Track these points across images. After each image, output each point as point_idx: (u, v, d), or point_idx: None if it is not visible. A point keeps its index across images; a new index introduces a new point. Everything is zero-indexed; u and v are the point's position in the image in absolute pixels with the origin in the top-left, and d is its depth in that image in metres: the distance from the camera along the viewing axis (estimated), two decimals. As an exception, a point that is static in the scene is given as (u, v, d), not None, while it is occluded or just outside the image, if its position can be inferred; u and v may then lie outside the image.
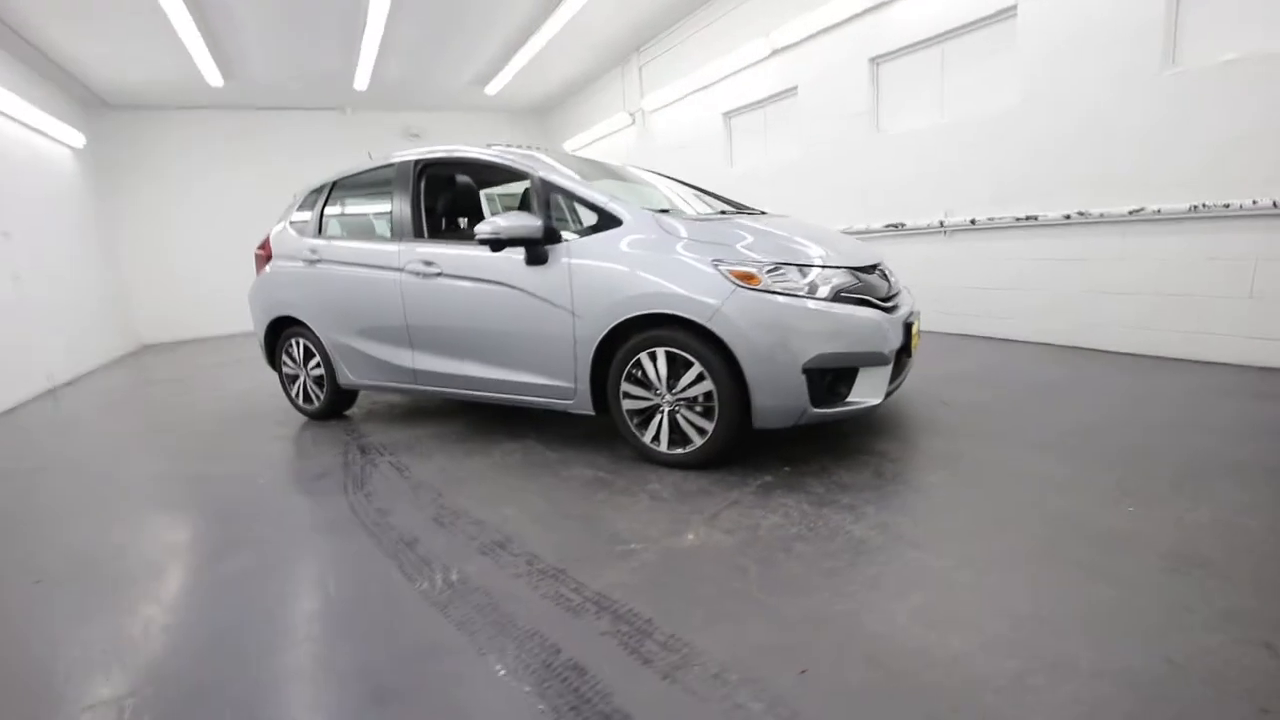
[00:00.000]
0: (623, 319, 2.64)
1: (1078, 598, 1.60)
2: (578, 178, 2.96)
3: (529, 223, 2.79)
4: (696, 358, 2.52)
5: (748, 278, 2.44)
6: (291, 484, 2.94)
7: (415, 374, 3.44)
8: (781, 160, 6.55)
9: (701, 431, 2.60)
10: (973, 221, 4.73)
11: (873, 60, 5.36)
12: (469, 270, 3.10)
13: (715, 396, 2.51)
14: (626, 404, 2.75)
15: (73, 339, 6.94)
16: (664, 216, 2.73)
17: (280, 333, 4.07)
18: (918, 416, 3.16)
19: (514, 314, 2.97)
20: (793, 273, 2.49)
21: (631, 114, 9.07)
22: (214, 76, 7.82)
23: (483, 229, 2.82)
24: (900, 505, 2.22)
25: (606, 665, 1.48)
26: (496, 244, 2.87)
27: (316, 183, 4.02)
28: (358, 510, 2.55)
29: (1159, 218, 3.72)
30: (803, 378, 2.40)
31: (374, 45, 7.34)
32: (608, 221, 2.77)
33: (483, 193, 4.34)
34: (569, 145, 11.02)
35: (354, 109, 10.51)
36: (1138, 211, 3.80)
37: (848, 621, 1.58)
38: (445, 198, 3.62)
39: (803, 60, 6.01)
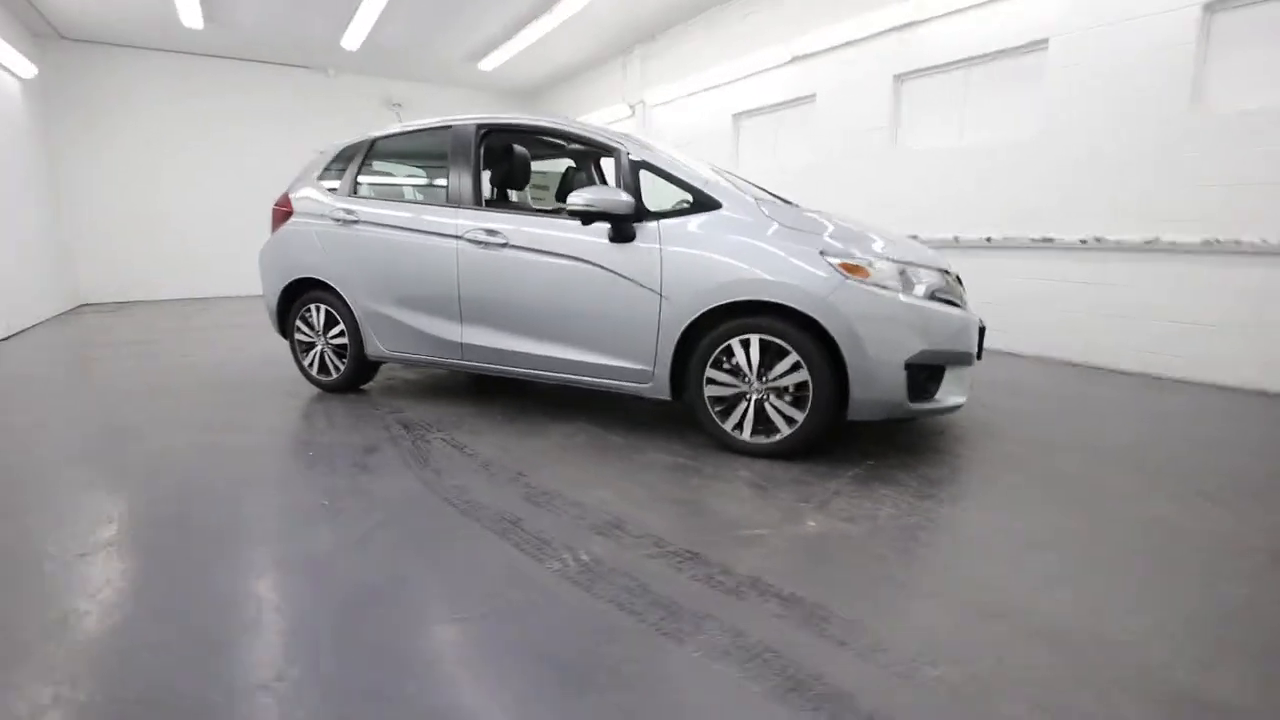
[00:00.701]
0: (718, 304, 2.60)
1: (1220, 594, 1.68)
2: (672, 158, 2.89)
3: (622, 198, 2.70)
4: (795, 347, 2.50)
5: (856, 270, 2.45)
6: (344, 457, 2.73)
7: (463, 348, 3.27)
8: (793, 165, 6.64)
9: (790, 421, 2.58)
10: (988, 239, 4.94)
11: (897, 77, 5.51)
12: (542, 244, 2.98)
13: (810, 387, 2.51)
14: (710, 390, 2.71)
15: (6, 290, 6.23)
16: (764, 202, 2.70)
17: (297, 297, 3.79)
18: (961, 417, 3.26)
19: (592, 292, 2.87)
20: (891, 268, 2.51)
21: (632, 105, 9.00)
22: (193, 17, 7.23)
23: (576, 200, 2.71)
24: (997, 502, 2.28)
25: (799, 648, 1.44)
26: (588, 217, 2.77)
27: (351, 140, 3.77)
28: (434, 487, 2.39)
29: (1172, 249, 3.99)
30: (904, 373, 2.42)
31: (379, 4, 6.97)
32: (704, 203, 2.72)
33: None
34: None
35: (338, 71, 9.96)
36: (1152, 241, 4.06)
37: (1011, 610, 1.59)
38: (503, 167, 3.47)
39: (823, 70, 6.12)
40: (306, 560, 1.85)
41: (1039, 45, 4.56)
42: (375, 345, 3.54)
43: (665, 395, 2.83)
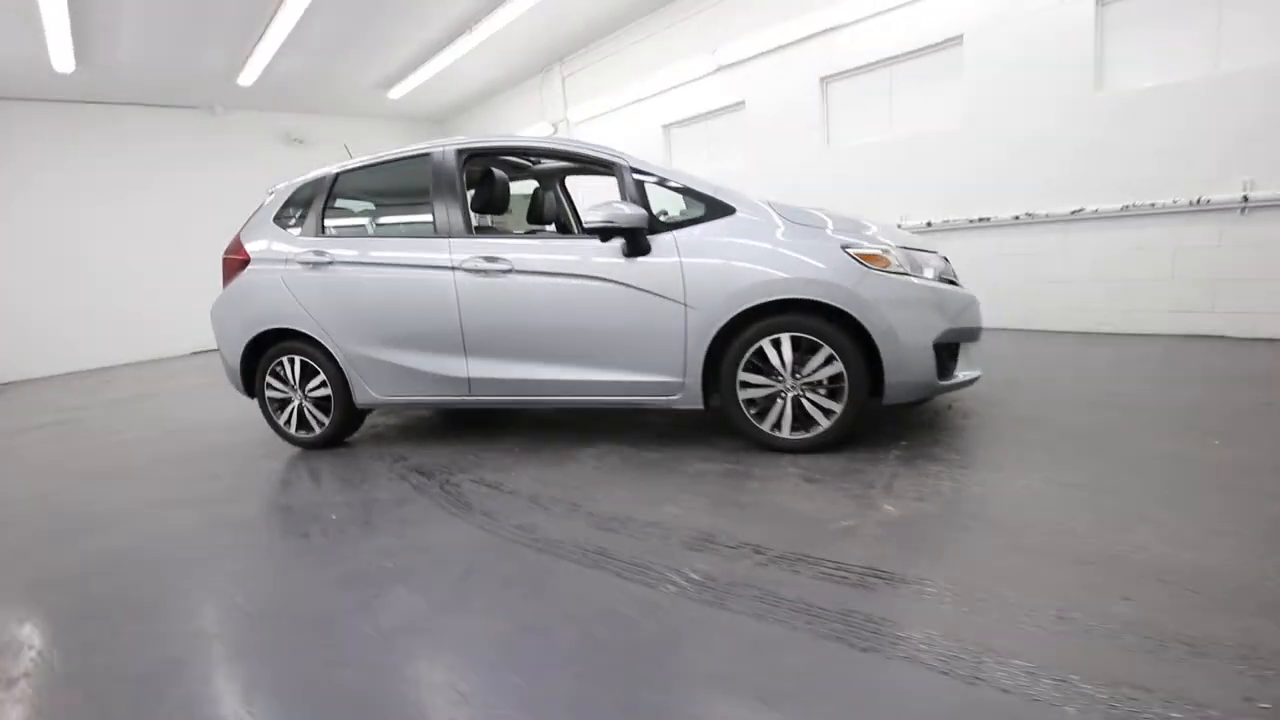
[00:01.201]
0: (746, 307, 2.63)
1: (1273, 509, 1.88)
2: (671, 169, 2.91)
3: (637, 211, 2.69)
4: (826, 340, 2.58)
5: (875, 259, 2.56)
6: (377, 515, 2.52)
7: (471, 383, 3.12)
8: (728, 170, 6.85)
9: (828, 414, 2.65)
10: (928, 224, 5.30)
11: (824, 79, 5.83)
12: (551, 266, 2.91)
13: (845, 378, 2.59)
14: (744, 393, 2.73)
15: None
16: (774, 203, 2.77)
17: (264, 350, 3.48)
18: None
19: (612, 309, 2.82)
20: (903, 255, 2.65)
21: (554, 124, 8.97)
22: (64, 60, 6.51)
23: (593, 217, 2.67)
24: (1038, 462, 2.43)
25: (970, 628, 1.47)
26: (606, 233, 2.73)
27: (308, 176, 3.52)
28: (495, 531, 2.26)
29: (1095, 217, 4.45)
30: (932, 354, 2.55)
31: (281, 35, 6.57)
32: (716, 210, 2.76)
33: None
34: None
35: (226, 109, 9.27)
36: (1078, 211, 4.51)
37: (1108, 554, 1.71)
38: (484, 192, 3.35)
39: (751, 77, 6.37)
40: (419, 631, 1.69)
41: (955, 41, 4.97)
42: (366, 392, 3.31)
43: (697, 404, 2.82)
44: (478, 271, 3.00)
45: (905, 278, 2.56)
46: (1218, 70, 3.91)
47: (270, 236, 3.49)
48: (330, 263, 3.28)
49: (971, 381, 2.77)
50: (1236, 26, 3.84)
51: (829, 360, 2.59)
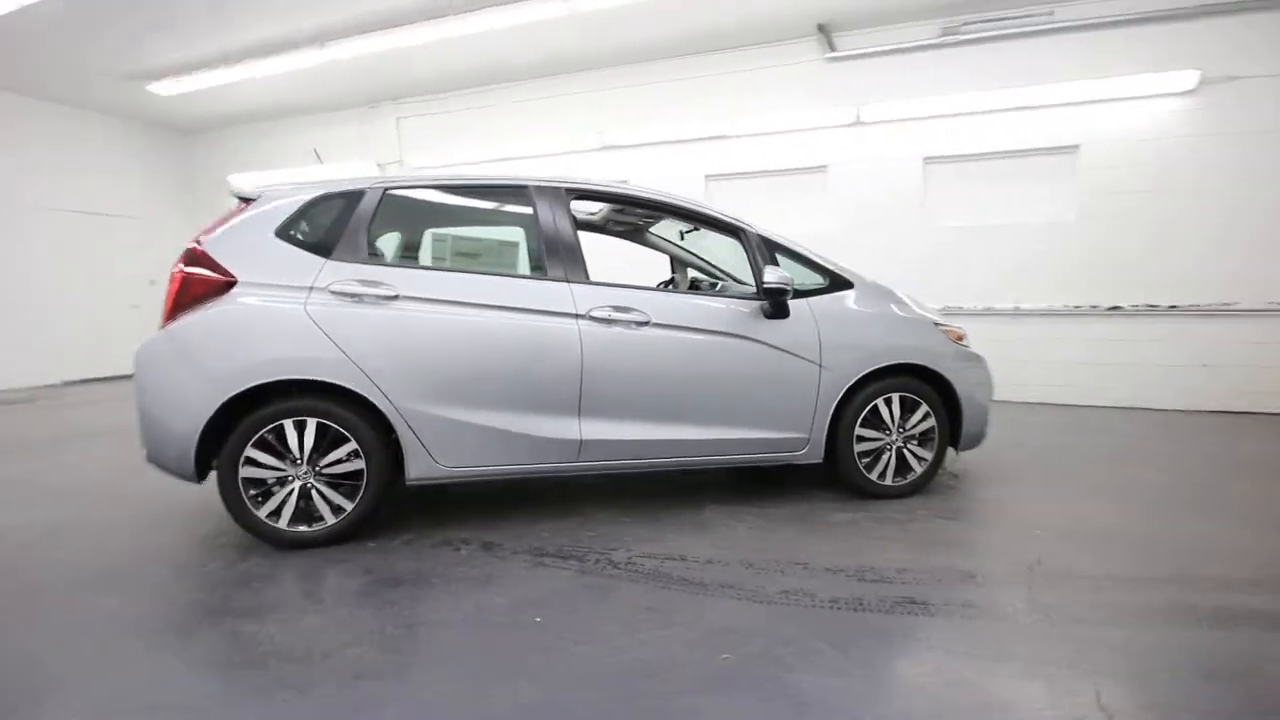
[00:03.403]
0: (872, 369, 2.98)
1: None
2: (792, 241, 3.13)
3: (790, 276, 2.86)
4: (924, 399, 3.08)
5: (958, 337, 3.19)
6: (608, 614, 2.04)
7: (582, 447, 2.74)
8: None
9: (921, 461, 3.12)
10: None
11: (708, 177, 6.67)
12: (691, 320, 2.84)
13: (934, 431, 3.11)
14: (859, 446, 3.03)
15: None
16: (879, 282, 3.21)
17: (247, 412, 2.47)
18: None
19: (752, 367, 2.88)
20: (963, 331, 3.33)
21: (381, 165, 8.05)
22: None
23: (772, 279, 2.75)
24: (1061, 484, 3.26)
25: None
26: (779, 294, 2.80)
27: (333, 187, 2.73)
28: (784, 602, 2.09)
29: (959, 311, 5.92)
30: (989, 410, 3.25)
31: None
32: (838, 283, 3.08)
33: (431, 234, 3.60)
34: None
35: None
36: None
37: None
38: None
39: (637, 160, 6.87)
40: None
41: (821, 169, 6.28)
42: (429, 462, 2.61)
43: (818, 458, 3.01)
44: (607, 322, 2.73)
45: (972, 351, 3.24)
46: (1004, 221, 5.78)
47: (275, 255, 2.57)
48: (395, 297, 2.57)
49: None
50: (1021, 194, 5.74)
51: (927, 415, 3.08)
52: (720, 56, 6.42)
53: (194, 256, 2.53)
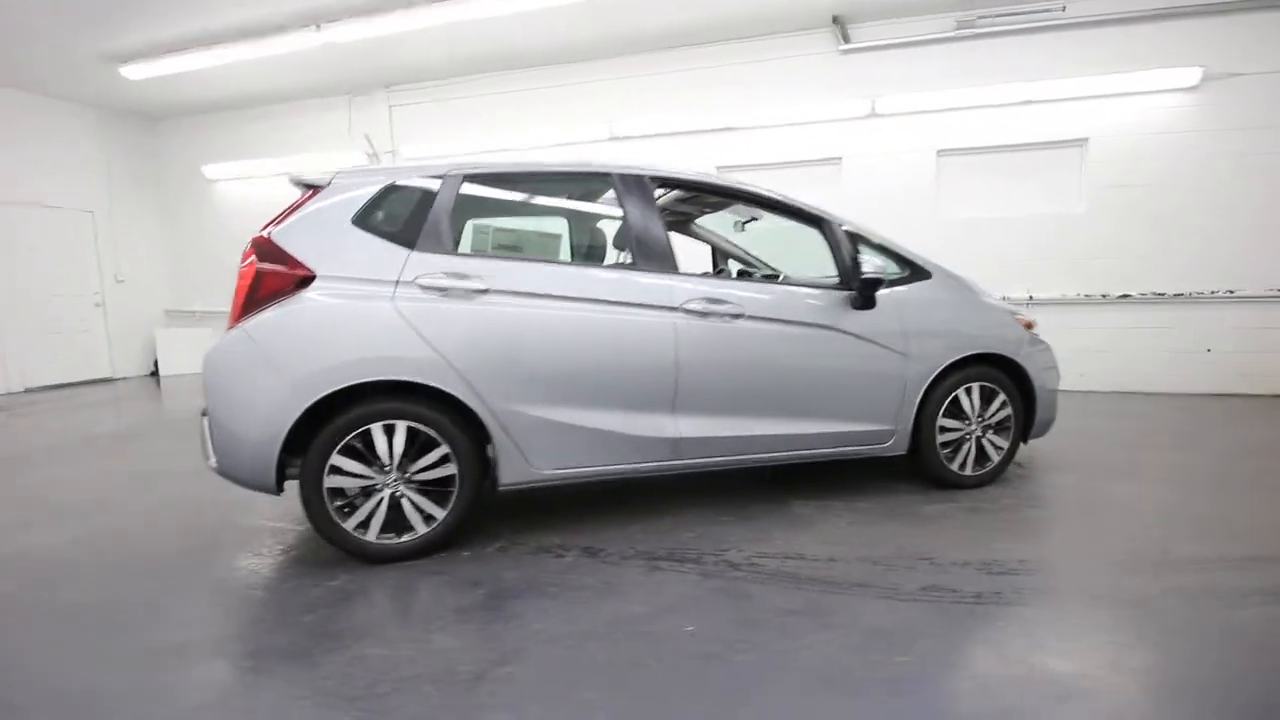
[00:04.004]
0: (956, 359, 2.96)
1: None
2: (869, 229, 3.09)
3: (884, 266, 2.81)
4: (1003, 388, 3.08)
5: (1029, 325, 3.21)
6: (773, 626, 1.95)
7: (677, 445, 2.64)
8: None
9: (999, 450, 3.13)
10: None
11: (719, 168, 6.59)
12: (782, 312, 2.77)
13: (1011, 420, 3.12)
14: (941, 436, 3.02)
15: None
16: (955, 272, 3.19)
17: (330, 418, 2.28)
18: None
19: (841, 359, 2.83)
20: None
21: (370, 155, 7.69)
22: None
23: (869, 268, 2.69)
24: (1112, 470, 3.33)
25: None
26: (874, 285, 2.75)
27: (410, 177, 2.55)
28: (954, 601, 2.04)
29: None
30: (1057, 397, 3.28)
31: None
32: (918, 273, 3.05)
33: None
34: (224, 171, 8.26)
35: None
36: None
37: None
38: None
39: (647, 151, 6.74)
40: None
41: (836, 161, 6.30)
42: (523, 466, 2.47)
43: (903, 450, 2.99)
44: (701, 315, 2.63)
45: (1041, 338, 3.26)
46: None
47: (355, 247, 2.38)
48: (485, 291, 2.41)
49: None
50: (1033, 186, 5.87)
51: (1004, 404, 3.09)
52: (733, 46, 6.34)
53: (265, 250, 2.31)
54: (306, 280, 2.30)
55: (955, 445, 3.06)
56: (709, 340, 2.65)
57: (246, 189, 8.36)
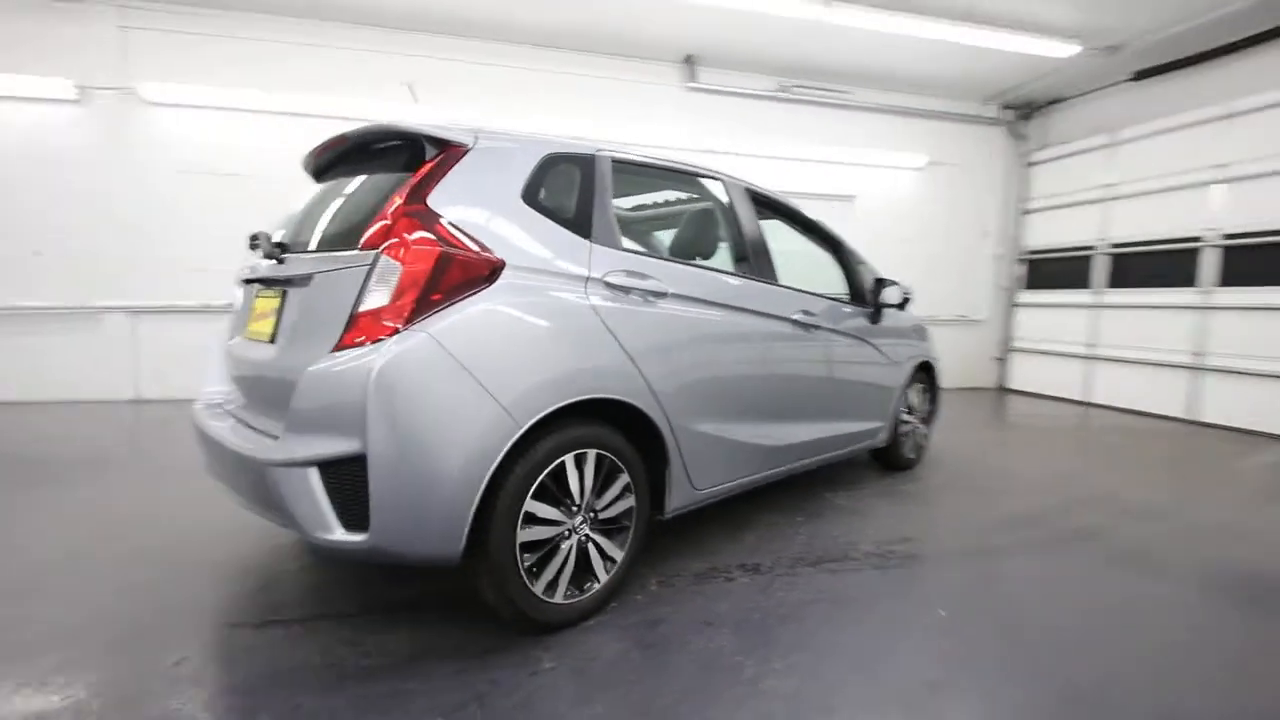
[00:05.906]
0: (917, 364, 3.71)
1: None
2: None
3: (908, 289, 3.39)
4: (929, 385, 3.96)
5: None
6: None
7: (771, 454, 2.71)
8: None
9: (927, 437, 4.00)
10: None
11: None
12: (842, 324, 3.10)
13: (932, 410, 4.03)
14: (902, 428, 3.73)
15: None
16: None
17: (534, 443, 1.79)
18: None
19: (866, 366, 3.30)
20: None
21: (83, 87, 5.35)
22: None
23: (895, 295, 3.33)
24: (1037, 450, 4.54)
25: None
26: (900, 306, 3.24)
27: (562, 146, 2.09)
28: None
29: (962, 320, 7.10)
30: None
31: None
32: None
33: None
34: None
35: None
36: (963, 316, 7.17)
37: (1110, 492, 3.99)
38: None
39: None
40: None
41: (850, 198, 6.98)
42: (687, 487, 2.29)
43: (885, 444, 3.59)
44: (798, 324, 2.80)
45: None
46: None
47: (536, 231, 1.90)
48: (663, 294, 2.16)
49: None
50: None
51: (932, 400, 3.98)
52: (592, 58, 6.37)
53: (436, 228, 1.66)
54: (495, 270, 1.73)
55: (906, 435, 3.80)
56: (798, 350, 2.81)
57: None
